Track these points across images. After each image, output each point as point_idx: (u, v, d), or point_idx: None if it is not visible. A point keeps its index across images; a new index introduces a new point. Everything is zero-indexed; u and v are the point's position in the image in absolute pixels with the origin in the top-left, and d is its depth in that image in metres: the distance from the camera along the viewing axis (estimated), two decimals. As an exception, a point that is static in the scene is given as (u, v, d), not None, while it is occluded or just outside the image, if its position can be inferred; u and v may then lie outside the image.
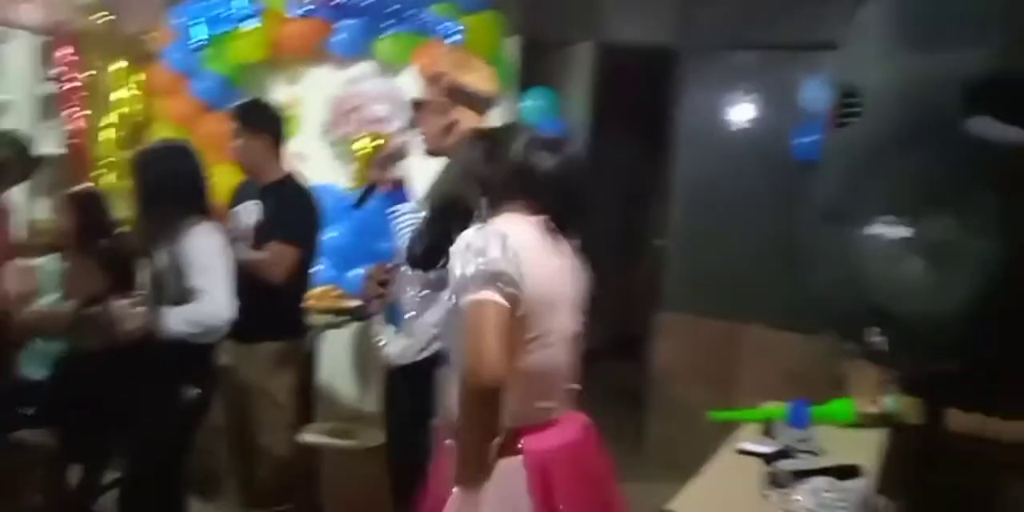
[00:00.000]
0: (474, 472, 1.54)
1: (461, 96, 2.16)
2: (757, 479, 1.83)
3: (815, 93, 3.40)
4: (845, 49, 1.59)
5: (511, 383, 1.51)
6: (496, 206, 1.65)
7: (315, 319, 3.16)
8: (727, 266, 3.59)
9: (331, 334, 3.51)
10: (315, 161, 3.96)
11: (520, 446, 1.57)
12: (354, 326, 3.69)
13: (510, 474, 1.56)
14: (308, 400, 3.09)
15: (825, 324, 1.69)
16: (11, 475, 2.95)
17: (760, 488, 1.78)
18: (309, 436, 2.93)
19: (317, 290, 3.34)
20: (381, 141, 3.80)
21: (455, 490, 1.55)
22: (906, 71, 1.44)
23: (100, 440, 2.81)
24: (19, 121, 3.78)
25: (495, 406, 1.47)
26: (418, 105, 2.24)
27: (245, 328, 2.33)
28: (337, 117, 4.19)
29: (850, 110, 1.54)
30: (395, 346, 2.21)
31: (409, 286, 2.19)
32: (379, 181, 2.23)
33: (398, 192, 2.22)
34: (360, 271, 3.66)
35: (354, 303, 3.48)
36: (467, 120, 2.16)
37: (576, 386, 1.73)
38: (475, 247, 1.51)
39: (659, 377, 3.70)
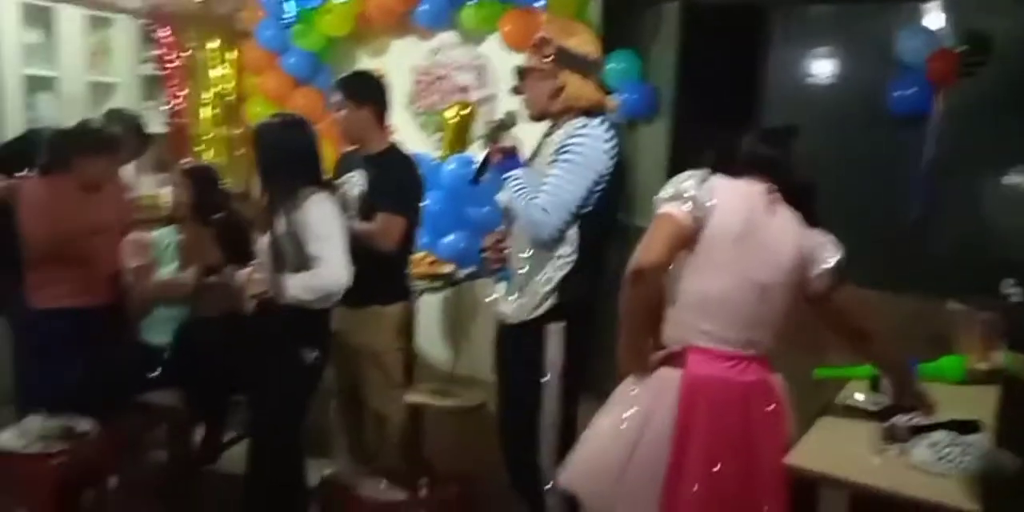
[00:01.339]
0: (628, 357, 1.83)
1: (567, 61, 2.17)
2: (870, 434, 1.84)
3: (911, 44, 3.29)
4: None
5: (679, 296, 1.81)
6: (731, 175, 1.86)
7: (412, 284, 3.26)
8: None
9: (424, 299, 3.61)
10: (400, 131, 4.03)
11: (684, 362, 1.78)
12: (447, 291, 3.79)
13: (665, 383, 1.80)
14: (410, 362, 3.21)
15: (951, 279, 1.67)
16: (139, 434, 3.17)
17: (876, 443, 1.80)
18: (414, 396, 3.05)
19: (413, 257, 3.44)
20: (468, 110, 3.88)
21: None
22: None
23: (222, 401, 2.99)
24: (125, 102, 3.96)
25: (644, 288, 1.76)
26: (522, 72, 2.25)
27: (354, 293, 2.42)
28: (421, 87, 4.26)
29: (976, 59, 1.51)
30: (508, 305, 2.27)
31: (520, 246, 2.24)
32: (492, 151, 2.26)
33: (511, 159, 2.25)
34: (452, 237, 3.76)
35: (448, 269, 3.58)
36: (573, 85, 2.18)
37: (766, 337, 1.83)
38: (677, 179, 1.83)
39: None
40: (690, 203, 1.77)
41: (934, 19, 3.35)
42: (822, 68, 3.71)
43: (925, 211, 3.15)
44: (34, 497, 2.35)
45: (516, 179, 2.20)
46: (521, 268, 2.24)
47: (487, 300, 2.40)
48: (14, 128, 3.48)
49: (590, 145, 2.12)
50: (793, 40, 3.73)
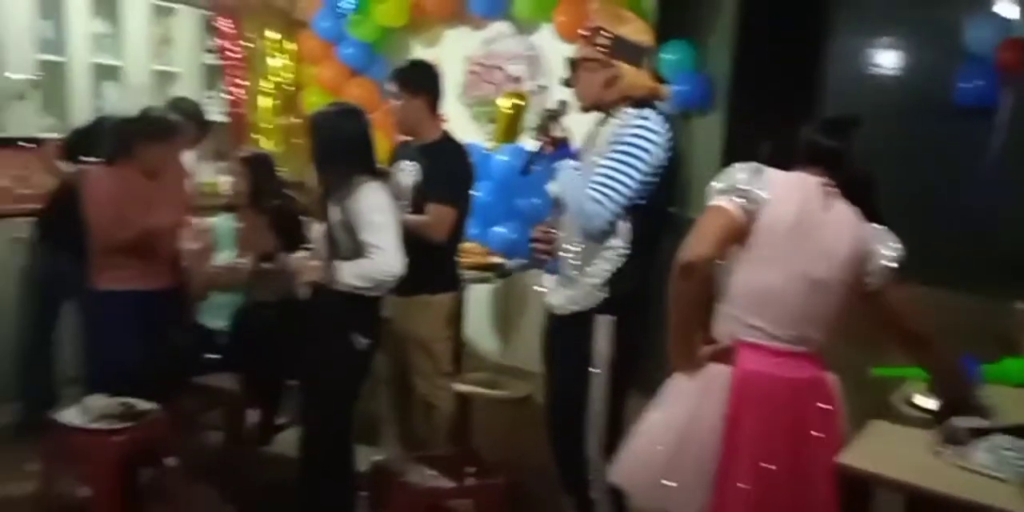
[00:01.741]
0: (678, 353, 1.79)
1: (623, 50, 2.14)
2: (927, 435, 1.80)
3: (979, 32, 3.17)
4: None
5: (730, 291, 1.78)
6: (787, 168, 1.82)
7: (462, 275, 3.27)
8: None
9: (473, 289, 3.63)
10: (453, 122, 4.05)
11: (734, 358, 1.75)
12: (496, 282, 3.81)
13: (715, 379, 1.77)
14: (458, 351, 3.23)
15: (1018, 277, 1.62)
16: (196, 415, 3.26)
17: (932, 444, 1.75)
18: (462, 386, 3.07)
19: (462, 247, 3.46)
20: (521, 101, 3.88)
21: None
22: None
23: (276, 385, 3.06)
24: (187, 91, 4.05)
25: (692, 282, 1.72)
26: (574, 63, 2.21)
27: (404, 282, 2.43)
28: (474, 78, 4.27)
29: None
30: (558, 297, 2.26)
31: (571, 238, 2.23)
32: (543, 142, 2.24)
33: (563, 150, 2.23)
34: (502, 229, 3.77)
35: (497, 259, 3.59)
36: (629, 74, 2.15)
37: (818, 334, 1.79)
38: (729, 171, 1.79)
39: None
40: (742, 196, 1.73)
41: (1004, 6, 3.23)
42: (885, 58, 3.61)
43: (991, 206, 3.05)
44: (95, 472, 2.43)
45: (568, 170, 2.18)
46: (571, 260, 2.22)
47: (536, 290, 2.39)
48: (82, 115, 3.59)
49: (646, 137, 2.09)
50: (855, 29, 3.63)
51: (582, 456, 2.25)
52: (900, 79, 3.57)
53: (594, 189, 2.09)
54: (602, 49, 2.15)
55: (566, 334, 2.26)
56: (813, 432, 1.75)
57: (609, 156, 2.11)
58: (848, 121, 1.88)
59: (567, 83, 2.27)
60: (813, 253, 1.74)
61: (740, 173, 1.77)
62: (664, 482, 1.76)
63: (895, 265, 1.80)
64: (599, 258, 2.16)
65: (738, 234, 1.74)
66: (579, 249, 2.20)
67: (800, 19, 3.65)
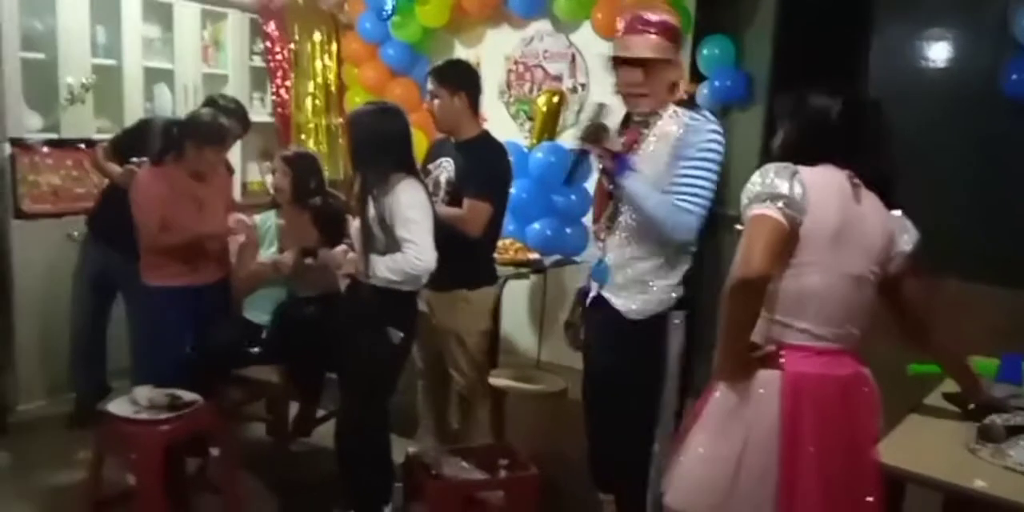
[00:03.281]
0: (731, 366, 1.73)
1: (677, 45, 2.09)
2: (963, 432, 1.76)
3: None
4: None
5: (777, 297, 1.71)
6: (810, 163, 1.75)
7: (499, 270, 3.29)
8: (927, 218, 3.37)
9: (510, 285, 3.64)
10: (492, 120, 4.08)
11: (782, 362, 1.71)
12: (533, 278, 3.83)
13: (763, 385, 1.72)
14: (494, 346, 3.25)
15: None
16: (239, 406, 3.34)
17: (968, 442, 1.72)
18: (497, 380, 3.09)
19: (500, 243, 3.48)
20: (559, 98, 3.89)
21: (719, 386, 1.77)
22: None
23: (317, 378, 3.12)
24: (235, 92, 4.13)
25: (753, 299, 1.67)
26: (624, 61, 2.12)
27: (441, 277, 2.47)
28: (514, 76, 4.30)
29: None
30: (630, 301, 2.22)
31: (640, 242, 2.19)
32: (600, 155, 2.17)
33: (623, 161, 2.14)
34: (538, 225, 3.78)
35: (534, 256, 3.61)
36: (682, 73, 2.13)
37: (857, 329, 1.76)
38: (765, 175, 1.71)
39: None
40: (784, 202, 1.66)
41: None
42: (931, 51, 3.52)
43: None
44: (141, 460, 2.50)
45: (639, 182, 2.11)
46: (640, 263, 2.20)
47: (601, 294, 2.33)
48: (134, 117, 3.71)
49: (716, 139, 2.09)
50: (899, 21, 3.56)
51: (635, 454, 2.23)
52: (947, 72, 3.49)
53: (683, 200, 2.06)
54: (666, 48, 2.07)
55: (637, 338, 2.22)
56: (862, 427, 1.72)
57: (688, 164, 2.08)
58: (869, 105, 1.81)
59: (626, 85, 2.16)
60: (854, 251, 1.71)
61: (777, 177, 1.69)
62: (727, 498, 1.72)
63: (913, 252, 1.78)
64: (675, 260, 2.16)
65: (788, 243, 1.68)
66: (651, 252, 2.18)
67: (842, 12, 3.59)
